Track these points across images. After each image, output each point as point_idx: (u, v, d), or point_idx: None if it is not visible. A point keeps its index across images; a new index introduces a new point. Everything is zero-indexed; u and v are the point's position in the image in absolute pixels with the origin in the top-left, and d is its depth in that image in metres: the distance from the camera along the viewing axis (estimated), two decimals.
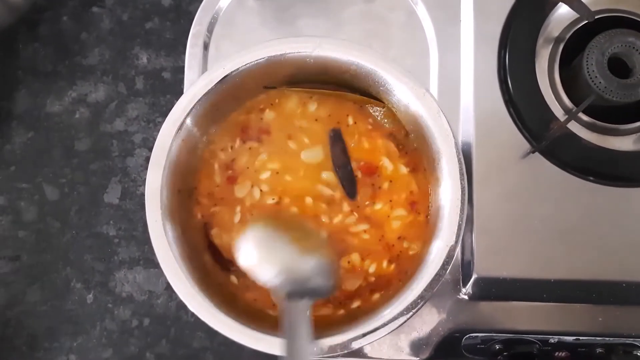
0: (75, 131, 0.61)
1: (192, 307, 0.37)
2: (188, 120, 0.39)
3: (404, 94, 0.40)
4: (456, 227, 0.38)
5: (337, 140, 0.42)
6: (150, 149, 0.60)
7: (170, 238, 0.38)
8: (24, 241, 0.59)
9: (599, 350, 0.49)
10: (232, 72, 0.40)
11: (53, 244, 0.59)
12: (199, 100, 0.40)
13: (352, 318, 0.39)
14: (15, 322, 0.58)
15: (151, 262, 0.59)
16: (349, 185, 0.41)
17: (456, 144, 0.38)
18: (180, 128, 0.39)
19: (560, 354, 0.50)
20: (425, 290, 0.38)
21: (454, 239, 0.39)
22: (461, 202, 0.38)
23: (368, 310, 0.39)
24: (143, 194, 0.41)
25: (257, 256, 0.34)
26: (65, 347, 0.58)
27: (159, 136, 0.39)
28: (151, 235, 0.38)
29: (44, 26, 0.64)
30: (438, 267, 0.38)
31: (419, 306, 0.38)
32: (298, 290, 0.34)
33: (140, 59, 0.63)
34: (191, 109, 0.39)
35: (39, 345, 0.58)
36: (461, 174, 0.38)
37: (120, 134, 0.61)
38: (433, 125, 0.39)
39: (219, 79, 0.40)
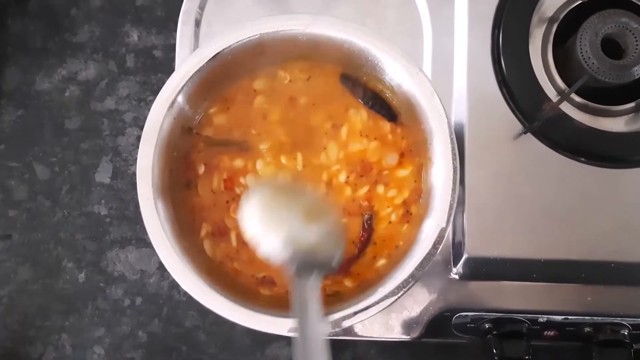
0: (66, 109, 0.61)
1: (184, 285, 0.37)
2: (179, 98, 0.39)
3: (397, 73, 0.40)
4: (447, 207, 0.38)
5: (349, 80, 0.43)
6: (142, 128, 0.59)
7: (162, 216, 0.37)
8: (15, 220, 0.59)
9: (587, 329, 0.50)
10: (224, 49, 0.40)
11: (44, 223, 0.59)
12: (191, 77, 0.39)
13: (344, 296, 0.39)
14: (7, 300, 0.58)
15: (143, 241, 0.59)
16: (387, 111, 0.43)
17: (449, 123, 0.38)
18: (171, 106, 0.39)
19: (549, 332, 0.50)
20: (416, 269, 0.39)
21: (445, 218, 0.39)
22: (453, 182, 0.38)
23: (359, 289, 0.39)
24: (134, 173, 0.41)
25: (261, 225, 0.32)
26: (56, 326, 0.58)
27: (150, 114, 0.38)
28: (143, 213, 0.38)
29: (33, 1, 0.63)
30: (429, 247, 0.38)
31: (410, 285, 0.38)
32: (307, 263, 0.32)
33: (131, 37, 0.62)
34: (183, 87, 0.39)
35: (31, 324, 0.58)
36: (453, 154, 0.38)
37: (111, 113, 0.61)
38: (426, 105, 0.38)
39: (211, 56, 0.40)
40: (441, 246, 0.38)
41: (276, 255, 0.32)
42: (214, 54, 0.40)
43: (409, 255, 0.38)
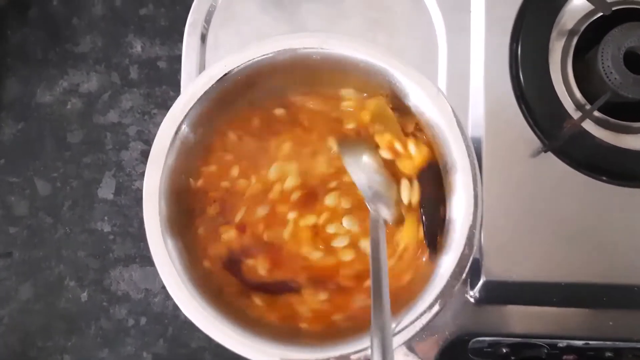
0: (67, 123, 0.59)
1: (202, 326, 0.35)
2: (186, 122, 0.37)
3: (415, 94, 0.37)
4: (465, 240, 0.36)
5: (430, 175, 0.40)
6: (145, 142, 0.59)
7: (170, 248, 0.36)
8: (15, 237, 0.57)
9: (608, 354, 0.48)
10: (233, 69, 0.38)
11: (45, 240, 0.57)
12: (198, 100, 0.37)
13: (358, 329, 0.37)
14: (8, 320, 0.57)
15: (147, 259, 0.57)
16: (430, 234, 0.39)
17: (469, 148, 0.36)
18: (177, 131, 0.37)
19: (568, 357, 0.49)
20: (434, 300, 0.37)
21: (462, 249, 0.37)
22: (473, 215, 0.36)
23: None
24: (138, 189, 0.39)
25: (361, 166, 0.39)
26: (59, 346, 0.56)
27: (155, 142, 0.36)
28: (151, 248, 0.36)
29: (34, 9, 0.61)
30: (447, 279, 0.36)
31: (429, 319, 0.36)
32: (380, 204, 0.39)
33: (135, 47, 0.60)
34: (189, 111, 0.37)
35: (32, 344, 0.56)
36: (475, 182, 0.36)
37: (114, 126, 0.59)
38: (448, 132, 0.36)
39: (220, 76, 0.38)
40: (462, 278, 0.36)
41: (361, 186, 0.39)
42: (223, 74, 0.38)
43: (429, 288, 0.36)
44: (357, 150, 0.39)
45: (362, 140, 0.40)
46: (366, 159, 0.39)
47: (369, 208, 0.39)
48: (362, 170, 0.39)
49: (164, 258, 0.34)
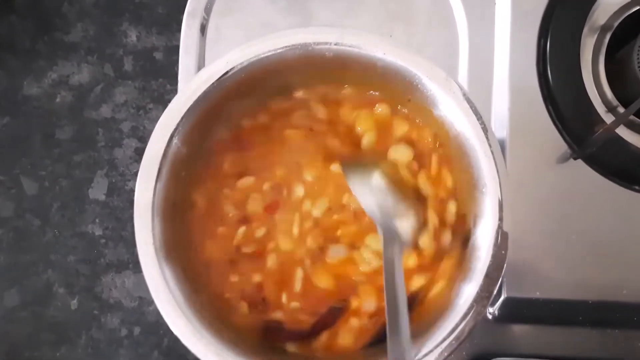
0: (57, 117, 0.55)
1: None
2: (182, 127, 0.33)
3: (446, 104, 0.33)
4: (486, 270, 0.32)
5: None
6: (140, 139, 0.55)
7: (168, 277, 0.32)
8: (0, 240, 0.54)
9: None
10: (235, 67, 0.34)
11: (33, 244, 0.54)
12: (196, 101, 0.33)
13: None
14: None
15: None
16: None
17: (499, 170, 0.32)
18: (172, 138, 0.32)
19: None
20: (454, 328, 0.33)
21: (484, 277, 0.33)
22: (495, 239, 0.32)
23: None
24: (132, 190, 0.36)
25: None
26: (47, 357, 0.53)
27: (147, 150, 0.32)
28: (145, 274, 0.32)
29: None
30: (470, 303, 0.33)
31: (452, 349, 0.33)
32: (390, 230, 0.35)
33: (129, 37, 0.56)
34: (185, 114, 0.33)
35: (19, 354, 0.53)
36: (500, 207, 0.32)
37: (107, 122, 0.55)
38: (480, 150, 0.32)
39: (220, 74, 0.34)
40: (490, 301, 0.33)
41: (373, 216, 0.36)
42: (224, 72, 0.34)
43: (450, 315, 0.33)
44: (364, 171, 0.36)
45: (369, 158, 0.37)
46: (375, 180, 0.36)
47: (380, 233, 0.35)
48: (371, 193, 0.35)
49: (160, 284, 0.31)
